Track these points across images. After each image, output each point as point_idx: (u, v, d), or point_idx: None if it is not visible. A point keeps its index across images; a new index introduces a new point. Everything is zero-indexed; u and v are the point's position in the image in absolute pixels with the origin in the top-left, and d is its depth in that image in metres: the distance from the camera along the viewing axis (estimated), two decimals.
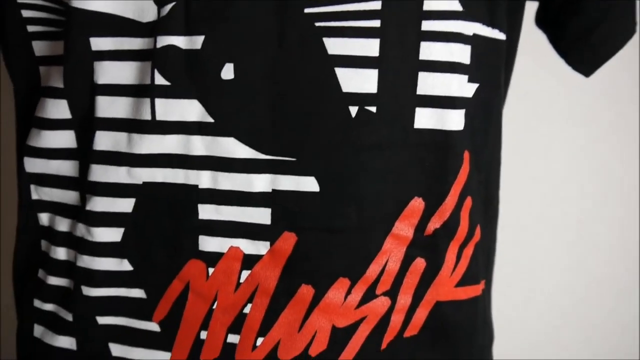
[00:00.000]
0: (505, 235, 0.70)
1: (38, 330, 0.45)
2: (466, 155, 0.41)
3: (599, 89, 0.80)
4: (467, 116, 0.40)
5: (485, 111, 0.43)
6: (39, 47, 0.41)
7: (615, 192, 0.84)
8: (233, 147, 0.38)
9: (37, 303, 0.45)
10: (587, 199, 0.85)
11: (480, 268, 0.46)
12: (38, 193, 0.43)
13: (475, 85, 0.41)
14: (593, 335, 0.87)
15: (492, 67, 0.43)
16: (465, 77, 0.40)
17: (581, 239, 0.85)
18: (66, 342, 0.43)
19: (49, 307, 0.44)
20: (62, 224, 0.43)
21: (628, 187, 0.84)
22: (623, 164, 0.84)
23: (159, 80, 0.38)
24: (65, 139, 0.41)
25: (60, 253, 0.43)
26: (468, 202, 0.42)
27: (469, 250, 0.43)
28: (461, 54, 0.39)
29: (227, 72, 0.37)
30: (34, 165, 0.42)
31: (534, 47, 0.51)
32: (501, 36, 0.42)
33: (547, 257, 0.86)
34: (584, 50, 0.48)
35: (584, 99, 0.81)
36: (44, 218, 0.44)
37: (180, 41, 0.37)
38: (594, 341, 0.87)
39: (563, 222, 0.85)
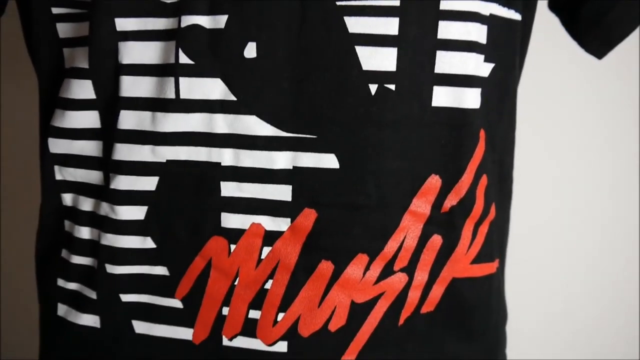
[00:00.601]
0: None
1: (62, 309, 0.46)
2: (482, 133, 0.42)
3: (615, 74, 0.79)
4: (483, 95, 0.41)
5: (501, 91, 0.44)
6: (63, 29, 0.42)
7: (627, 187, 0.84)
8: (255, 125, 0.39)
9: (61, 282, 0.46)
10: (594, 194, 0.84)
11: (495, 246, 0.46)
12: (62, 173, 0.44)
13: (491, 65, 0.42)
14: (593, 335, 0.87)
15: (508, 47, 0.43)
16: (482, 56, 0.40)
17: (581, 238, 0.85)
18: (90, 320, 0.44)
19: (72, 286, 0.45)
20: (86, 204, 0.44)
21: None
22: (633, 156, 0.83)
23: (183, 59, 0.38)
24: (90, 119, 0.42)
25: (84, 232, 0.44)
26: (484, 180, 0.43)
27: (484, 228, 0.44)
28: (478, 33, 0.39)
29: (250, 50, 0.38)
30: (57, 145, 0.43)
31: (547, 29, 0.52)
32: (517, 17, 0.43)
33: (545, 256, 0.86)
34: (596, 33, 0.48)
35: (598, 82, 0.80)
36: (67, 198, 0.45)
37: (204, 20, 0.38)
38: (594, 341, 0.87)
39: (563, 221, 0.85)
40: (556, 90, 0.81)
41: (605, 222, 0.84)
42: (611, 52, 0.50)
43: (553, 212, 0.84)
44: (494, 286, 0.46)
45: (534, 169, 0.82)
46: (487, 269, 0.45)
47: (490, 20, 0.40)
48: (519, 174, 0.79)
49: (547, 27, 0.50)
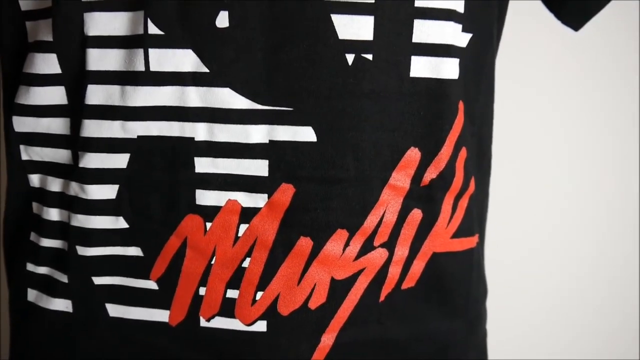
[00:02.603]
0: (502, 233, 0.69)
1: (32, 294, 0.44)
2: (460, 105, 0.41)
3: (615, 72, 0.77)
4: (461, 66, 0.40)
5: (479, 62, 0.43)
6: (25, 1, 0.40)
7: (615, 183, 0.82)
8: (229, 98, 0.38)
9: (30, 267, 0.44)
10: (593, 192, 0.82)
11: (475, 221, 0.46)
12: (28, 153, 0.42)
13: (469, 36, 0.41)
14: (592, 335, 0.86)
15: (485, 18, 0.43)
16: (460, 26, 0.40)
17: (579, 236, 0.84)
18: (62, 304, 0.43)
19: (42, 270, 0.43)
20: (54, 184, 0.42)
21: (629, 177, 0.82)
22: (623, 150, 0.81)
23: (153, 29, 0.37)
24: (56, 94, 0.40)
25: (53, 214, 0.42)
26: (463, 153, 0.42)
27: (464, 202, 0.44)
28: (455, 2, 0.39)
29: (222, 20, 0.37)
30: (23, 124, 0.42)
31: (549, 28, 0.51)
32: None
33: (545, 256, 0.85)
34: (573, 4, 0.48)
35: (598, 79, 0.78)
36: (34, 179, 0.43)
37: None
38: (593, 340, 0.86)
39: (561, 218, 0.83)
40: (556, 87, 0.79)
41: (604, 220, 0.83)
42: (611, 50, 0.49)
43: (550, 211, 0.83)
44: (474, 261, 0.46)
45: (532, 168, 0.81)
46: (467, 243, 0.45)
47: None
48: (517, 173, 0.79)
49: (548, 24, 0.49)
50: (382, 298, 0.41)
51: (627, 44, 0.74)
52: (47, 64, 0.39)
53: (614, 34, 0.73)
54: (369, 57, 0.37)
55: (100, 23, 0.38)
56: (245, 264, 0.40)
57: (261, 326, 0.40)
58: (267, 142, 0.38)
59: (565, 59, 0.77)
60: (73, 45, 0.38)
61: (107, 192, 0.40)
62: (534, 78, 0.78)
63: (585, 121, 0.81)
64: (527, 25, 0.66)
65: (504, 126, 0.57)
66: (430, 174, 0.41)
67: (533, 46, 0.76)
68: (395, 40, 0.38)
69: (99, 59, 0.38)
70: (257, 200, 0.39)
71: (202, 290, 0.40)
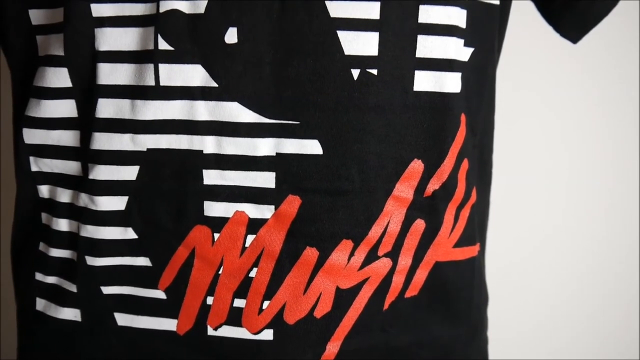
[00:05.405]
0: (503, 234, 0.70)
1: (40, 303, 0.45)
2: (463, 118, 0.42)
3: (615, 72, 0.77)
4: (463, 80, 0.41)
5: (480, 75, 0.44)
6: (36, 16, 0.41)
7: (615, 183, 0.83)
8: (237, 112, 0.38)
9: (39, 276, 0.45)
10: (593, 192, 0.83)
11: (476, 230, 0.47)
12: (38, 164, 0.43)
13: (470, 50, 0.42)
14: (593, 335, 0.87)
15: (487, 31, 0.44)
16: (462, 40, 0.41)
17: (579, 237, 0.84)
18: (70, 313, 0.43)
19: (51, 279, 0.44)
20: (64, 195, 0.43)
21: (629, 177, 0.82)
22: (622, 153, 0.81)
23: (163, 45, 0.38)
24: (66, 108, 0.41)
25: (62, 224, 0.43)
26: (465, 164, 0.43)
27: (465, 212, 0.45)
28: (458, 17, 0.40)
29: (231, 36, 0.38)
30: (33, 136, 0.42)
31: (524, 14, 0.52)
32: (495, 1, 0.43)
33: (544, 256, 0.85)
34: (571, 16, 0.49)
35: (598, 79, 0.78)
36: (44, 190, 0.44)
37: (184, 5, 0.37)
38: (594, 341, 0.87)
39: (561, 219, 0.84)
40: (555, 88, 0.80)
41: (604, 227, 0.84)
42: (611, 50, 0.50)
43: (551, 211, 0.84)
44: (475, 269, 0.47)
45: (530, 175, 0.82)
46: (469, 252, 0.46)
47: (469, 5, 0.40)
48: (517, 173, 0.79)
49: (547, 32, 0.50)
50: (386, 306, 0.42)
51: (627, 46, 0.75)
52: (58, 77, 0.40)
53: (615, 37, 0.73)
54: (374, 72, 0.38)
55: (111, 38, 0.38)
56: (252, 273, 0.40)
57: (268, 335, 0.41)
58: (274, 154, 0.39)
59: (565, 65, 0.78)
60: (84, 60, 0.39)
61: (116, 203, 0.40)
62: (533, 85, 0.79)
63: (586, 129, 0.81)
64: (526, 32, 0.67)
65: (504, 134, 0.58)
66: (433, 185, 0.42)
67: (532, 53, 0.76)
68: (399, 56, 0.39)
69: (110, 74, 0.39)
70: (264, 211, 0.40)
71: (210, 300, 0.41)
